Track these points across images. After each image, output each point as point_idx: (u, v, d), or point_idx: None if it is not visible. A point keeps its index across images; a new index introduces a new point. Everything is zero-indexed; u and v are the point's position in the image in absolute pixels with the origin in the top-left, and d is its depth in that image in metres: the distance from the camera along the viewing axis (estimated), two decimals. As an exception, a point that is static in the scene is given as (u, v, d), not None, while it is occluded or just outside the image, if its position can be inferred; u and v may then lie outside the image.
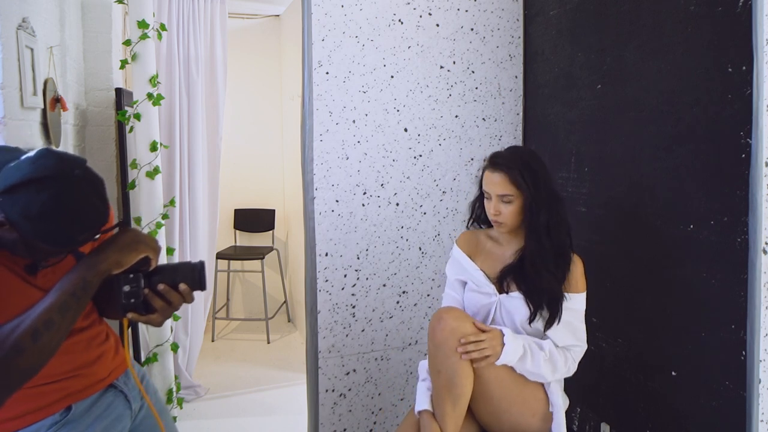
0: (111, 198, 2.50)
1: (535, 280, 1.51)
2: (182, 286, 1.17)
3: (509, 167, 1.50)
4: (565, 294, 1.52)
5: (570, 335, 1.53)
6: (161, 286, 1.15)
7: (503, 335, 1.47)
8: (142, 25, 2.21)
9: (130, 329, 2.34)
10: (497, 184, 1.51)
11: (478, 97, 2.21)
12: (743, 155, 1.40)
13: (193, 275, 1.18)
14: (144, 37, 2.23)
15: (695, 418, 1.57)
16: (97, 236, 1.09)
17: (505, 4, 2.22)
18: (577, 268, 1.54)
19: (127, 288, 1.14)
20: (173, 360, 2.55)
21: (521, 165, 1.50)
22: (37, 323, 1.00)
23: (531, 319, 1.51)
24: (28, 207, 0.96)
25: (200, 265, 1.19)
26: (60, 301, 1.03)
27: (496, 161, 1.53)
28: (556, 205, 1.52)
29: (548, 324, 1.51)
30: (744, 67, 1.39)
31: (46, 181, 0.98)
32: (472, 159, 2.21)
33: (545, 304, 1.50)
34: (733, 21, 1.42)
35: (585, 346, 1.56)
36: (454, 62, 2.16)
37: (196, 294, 1.44)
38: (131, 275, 1.14)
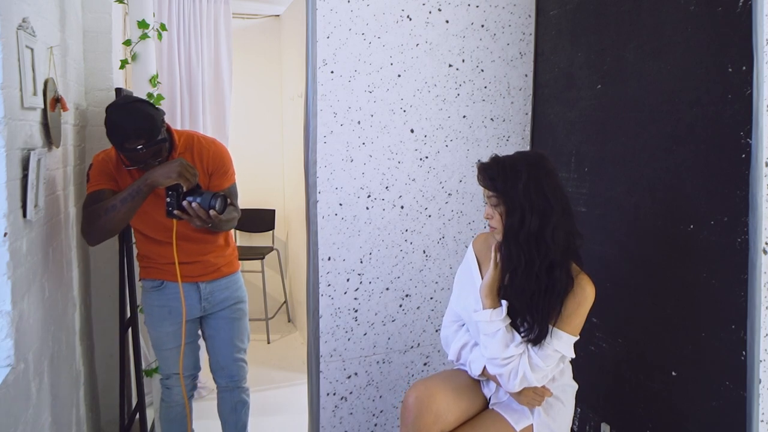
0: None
1: (518, 295, 1.46)
2: (195, 204, 1.74)
3: (487, 166, 1.46)
4: (551, 327, 1.44)
5: (543, 361, 1.45)
6: (185, 203, 1.74)
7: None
8: (142, 25, 2.21)
9: (131, 330, 2.35)
10: (480, 183, 1.49)
11: (486, 96, 2.18)
12: (743, 155, 1.40)
13: (209, 200, 1.75)
14: (144, 37, 2.23)
15: (695, 418, 1.57)
16: (140, 147, 1.67)
17: (517, 0, 2.19)
18: (578, 296, 1.44)
19: (168, 199, 1.76)
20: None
21: (502, 164, 1.44)
22: (110, 203, 1.71)
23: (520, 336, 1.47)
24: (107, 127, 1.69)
25: (217, 195, 1.76)
26: (123, 196, 1.71)
27: (485, 160, 1.50)
28: (551, 214, 1.40)
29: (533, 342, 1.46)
30: (744, 67, 1.39)
31: (110, 107, 1.72)
32: (479, 160, 2.19)
33: (530, 319, 1.45)
34: (733, 21, 1.43)
35: (538, 382, 1.48)
36: (463, 60, 2.13)
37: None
38: (171, 192, 1.75)
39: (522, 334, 1.47)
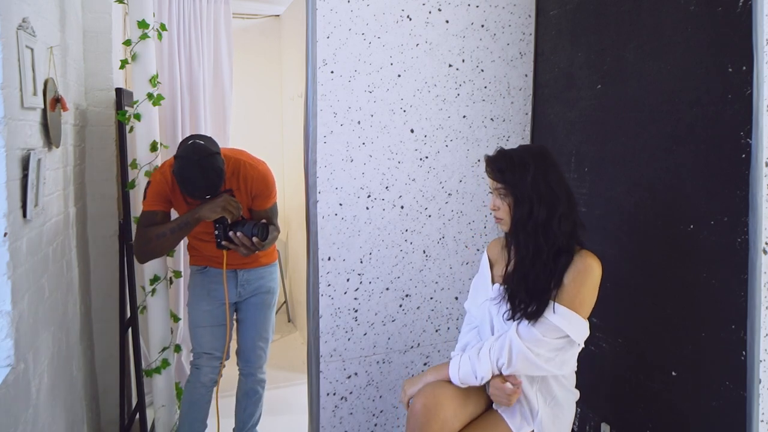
0: (110, 197, 2.49)
1: (520, 281, 1.47)
2: (239, 234, 1.98)
3: (496, 158, 1.50)
4: (554, 303, 1.44)
5: (535, 344, 1.43)
6: (231, 234, 1.98)
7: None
8: (142, 25, 2.21)
9: (131, 330, 2.35)
10: (489, 175, 1.52)
11: (486, 96, 2.18)
12: (743, 155, 1.40)
13: (251, 230, 1.99)
14: (144, 37, 2.23)
15: (695, 418, 1.57)
16: (208, 197, 1.94)
17: (517, 0, 2.19)
18: (577, 265, 1.44)
19: (216, 232, 2.00)
20: (177, 360, 2.55)
21: (510, 157, 1.48)
22: (160, 231, 1.96)
23: (512, 315, 1.47)
24: (175, 172, 1.88)
25: (258, 224, 2.00)
26: (172, 226, 1.96)
27: (492, 153, 1.53)
28: (558, 205, 1.44)
29: (529, 317, 1.45)
30: (744, 67, 1.39)
31: (182, 160, 1.86)
32: (479, 160, 2.19)
33: (527, 296, 1.45)
34: (733, 21, 1.43)
35: (553, 371, 1.46)
36: (463, 60, 2.12)
37: None
38: (217, 224, 1.99)
39: (519, 313, 1.46)
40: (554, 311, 1.43)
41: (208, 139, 1.97)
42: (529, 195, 1.44)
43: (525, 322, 1.45)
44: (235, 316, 2.27)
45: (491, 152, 1.55)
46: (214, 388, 2.20)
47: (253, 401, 2.25)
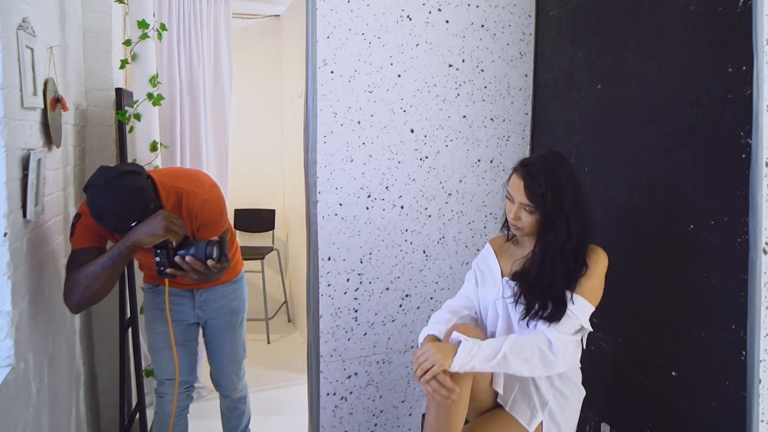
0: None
1: (538, 285, 1.48)
2: (188, 258, 1.61)
3: (534, 177, 1.45)
4: (569, 293, 1.47)
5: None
6: (178, 258, 1.61)
7: (458, 344, 1.41)
8: (142, 25, 2.21)
9: (131, 330, 2.35)
10: (521, 191, 1.48)
11: (486, 96, 2.18)
12: (743, 155, 1.40)
13: (204, 250, 1.61)
14: (144, 37, 2.23)
15: (695, 418, 1.57)
16: (134, 225, 1.54)
17: (517, 0, 2.19)
18: (596, 267, 1.50)
19: (157, 258, 1.61)
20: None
21: (547, 177, 1.45)
22: (89, 269, 1.55)
23: (525, 315, 1.48)
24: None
25: (213, 242, 1.63)
26: (103, 260, 1.55)
27: (526, 168, 1.48)
28: (579, 218, 1.48)
29: (548, 320, 1.46)
30: (744, 67, 1.39)
31: (89, 189, 1.53)
32: (479, 160, 2.19)
33: (545, 301, 1.46)
34: (733, 21, 1.43)
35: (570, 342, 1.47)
36: (463, 60, 2.13)
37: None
38: (159, 250, 1.60)
39: (534, 312, 1.46)
40: (573, 302, 1.46)
41: (123, 164, 1.70)
42: (565, 221, 1.46)
43: (544, 323, 1.46)
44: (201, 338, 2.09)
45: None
46: (185, 416, 2.06)
47: (236, 415, 2.17)
